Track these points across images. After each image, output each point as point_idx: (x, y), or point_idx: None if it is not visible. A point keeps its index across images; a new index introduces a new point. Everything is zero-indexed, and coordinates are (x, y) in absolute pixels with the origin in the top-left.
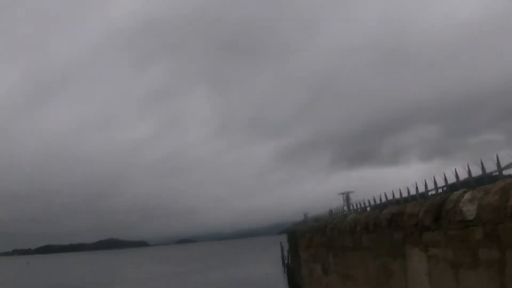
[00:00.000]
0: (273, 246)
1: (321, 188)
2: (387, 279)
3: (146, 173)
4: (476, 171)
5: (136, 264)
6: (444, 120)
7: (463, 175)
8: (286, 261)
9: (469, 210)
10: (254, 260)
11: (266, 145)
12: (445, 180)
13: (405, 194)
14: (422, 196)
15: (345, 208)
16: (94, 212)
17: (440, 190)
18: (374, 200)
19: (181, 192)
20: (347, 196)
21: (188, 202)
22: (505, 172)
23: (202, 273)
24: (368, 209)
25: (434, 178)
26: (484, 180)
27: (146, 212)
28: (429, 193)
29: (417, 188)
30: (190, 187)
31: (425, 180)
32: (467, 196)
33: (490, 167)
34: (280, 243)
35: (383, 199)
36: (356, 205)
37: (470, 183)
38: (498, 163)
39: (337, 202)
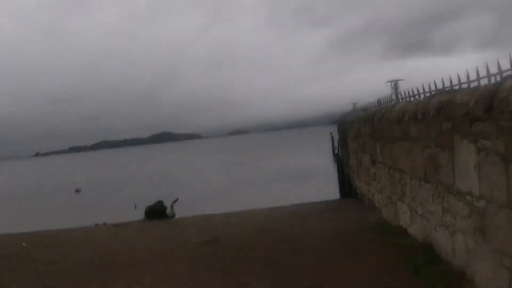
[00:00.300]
0: (323, 137)
1: (373, 78)
2: (434, 171)
3: (197, 66)
4: None
5: (189, 155)
6: (501, 9)
7: None
8: (335, 152)
9: None
10: (304, 151)
11: (317, 34)
12: (499, 68)
13: (456, 82)
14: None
15: (393, 97)
16: (148, 106)
17: (493, 79)
18: (423, 88)
19: (233, 83)
20: (395, 84)
21: (240, 93)
22: None
23: (253, 163)
24: (417, 98)
25: (487, 65)
26: None
27: (198, 105)
28: (481, 81)
29: (468, 75)
30: (242, 79)
31: (477, 67)
32: None
33: None
34: (330, 133)
35: (433, 88)
36: (405, 94)
37: None
38: None
39: (387, 92)
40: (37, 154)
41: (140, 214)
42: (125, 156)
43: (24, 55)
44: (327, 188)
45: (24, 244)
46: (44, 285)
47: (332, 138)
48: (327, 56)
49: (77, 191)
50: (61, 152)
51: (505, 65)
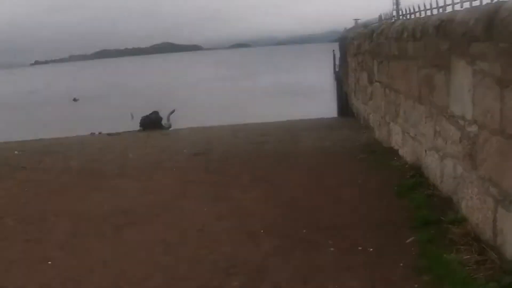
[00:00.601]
0: (326, 54)
1: None
2: (429, 92)
3: None
4: None
5: (189, 67)
6: None
7: None
8: (336, 70)
9: None
10: (305, 67)
11: None
12: None
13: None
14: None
15: (394, 13)
16: (149, 15)
17: None
18: (424, 5)
19: None
20: (396, 0)
21: (244, 5)
22: None
23: (253, 77)
24: (418, 15)
25: None
26: None
27: (200, 15)
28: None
29: None
30: None
31: None
32: None
33: None
34: (333, 51)
35: (434, 5)
36: (406, 10)
37: None
38: None
39: (390, 9)
40: (36, 63)
41: (136, 125)
42: (125, 66)
43: None
44: (325, 106)
45: (16, 152)
46: (29, 191)
47: (334, 56)
48: None
49: (75, 100)
50: (61, 60)
51: None
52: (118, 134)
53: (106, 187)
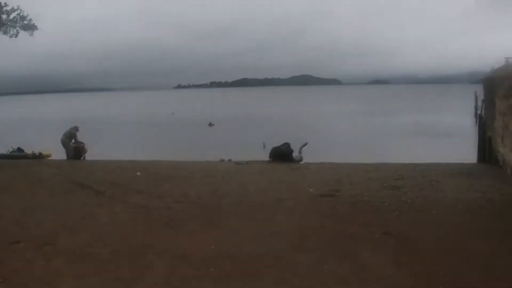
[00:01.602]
0: (467, 94)
1: None
2: None
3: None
4: None
5: (327, 100)
6: None
7: None
8: (478, 112)
9: None
10: (445, 107)
11: None
12: None
13: None
14: None
15: None
16: (291, 48)
17: None
18: None
19: (379, 31)
20: None
21: (385, 42)
22: None
23: (390, 114)
24: None
25: None
26: None
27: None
28: None
29: None
30: (389, 27)
31: None
32: None
33: None
34: (475, 92)
35: None
36: None
37: None
38: None
39: None
40: (179, 86)
41: (267, 154)
42: (263, 95)
43: None
44: (464, 151)
45: (138, 173)
46: (136, 220)
47: (476, 97)
48: (480, 9)
49: (210, 124)
50: (202, 86)
51: None
52: (246, 163)
53: (217, 225)
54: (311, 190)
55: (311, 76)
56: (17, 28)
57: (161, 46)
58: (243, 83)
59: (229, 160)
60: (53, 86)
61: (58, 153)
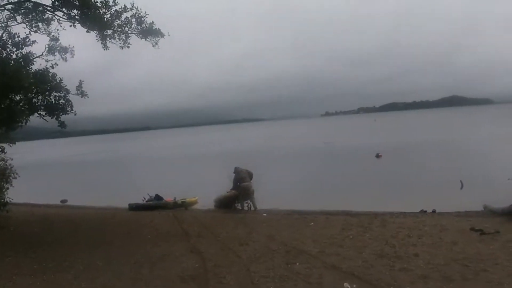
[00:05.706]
0: None
1: None
2: None
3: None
4: None
5: (477, 122)
6: None
7: None
8: None
9: None
10: None
11: None
12: None
13: None
14: None
15: None
16: (441, 69)
17: None
18: None
19: None
20: None
21: None
22: None
23: None
24: None
25: None
26: None
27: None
28: None
29: None
30: None
31: None
32: None
33: None
34: None
35: None
36: None
37: None
38: None
39: None
40: (326, 114)
41: (468, 196)
42: (413, 119)
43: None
44: None
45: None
46: None
47: None
48: None
49: (378, 156)
50: (349, 112)
51: None
52: (432, 212)
53: None
54: None
55: (461, 97)
56: (130, 34)
57: (313, 75)
58: (391, 107)
59: (424, 211)
60: (210, 118)
61: (205, 198)
